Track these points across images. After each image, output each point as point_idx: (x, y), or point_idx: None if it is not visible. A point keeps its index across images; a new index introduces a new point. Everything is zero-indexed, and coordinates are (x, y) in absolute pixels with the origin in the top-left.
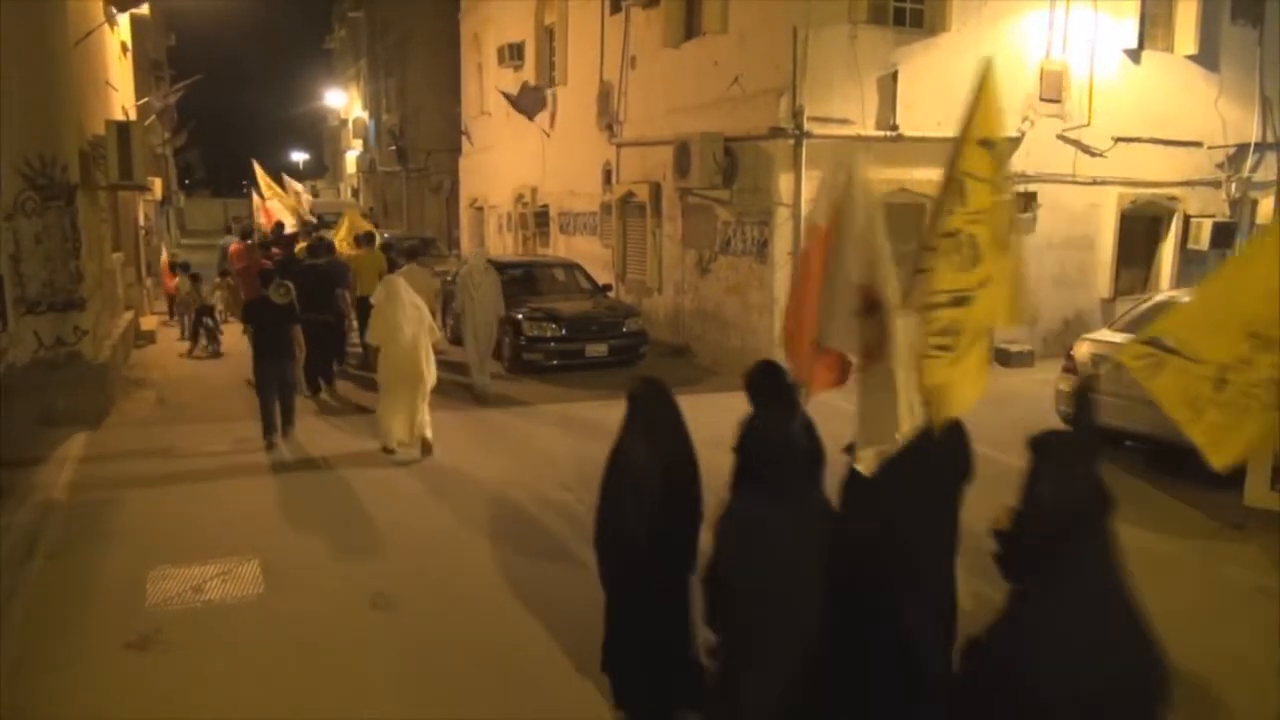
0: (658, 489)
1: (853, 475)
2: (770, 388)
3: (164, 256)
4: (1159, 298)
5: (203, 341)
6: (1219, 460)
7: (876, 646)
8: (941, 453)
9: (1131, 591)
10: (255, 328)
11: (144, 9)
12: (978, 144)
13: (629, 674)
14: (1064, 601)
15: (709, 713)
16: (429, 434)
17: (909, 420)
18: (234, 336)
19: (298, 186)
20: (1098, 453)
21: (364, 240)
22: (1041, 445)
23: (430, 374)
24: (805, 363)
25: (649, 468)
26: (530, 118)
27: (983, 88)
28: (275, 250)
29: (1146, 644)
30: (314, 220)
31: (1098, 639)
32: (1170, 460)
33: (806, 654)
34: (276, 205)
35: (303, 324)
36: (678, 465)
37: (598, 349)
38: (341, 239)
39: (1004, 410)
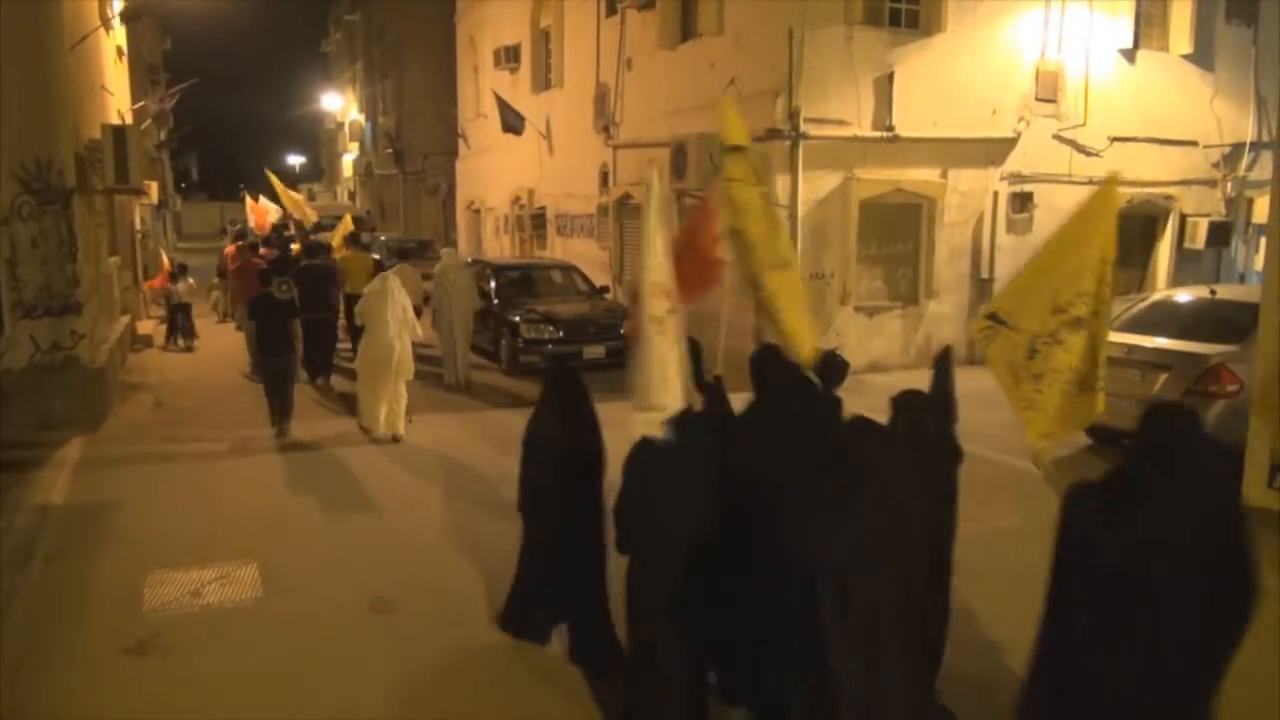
0: (564, 452)
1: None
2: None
3: (164, 261)
4: (1156, 296)
5: (176, 336)
6: (1031, 433)
7: (752, 559)
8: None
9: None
10: (259, 323)
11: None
12: (730, 151)
13: (528, 624)
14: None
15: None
16: (401, 427)
17: (664, 389)
18: (211, 336)
19: (297, 196)
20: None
21: (352, 241)
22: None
23: (407, 367)
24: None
25: (557, 435)
26: (517, 133)
27: (724, 108)
28: (264, 251)
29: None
30: (316, 221)
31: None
32: None
33: (686, 560)
34: (283, 206)
35: (301, 320)
36: (583, 433)
37: (595, 351)
38: (339, 239)
39: (999, 411)
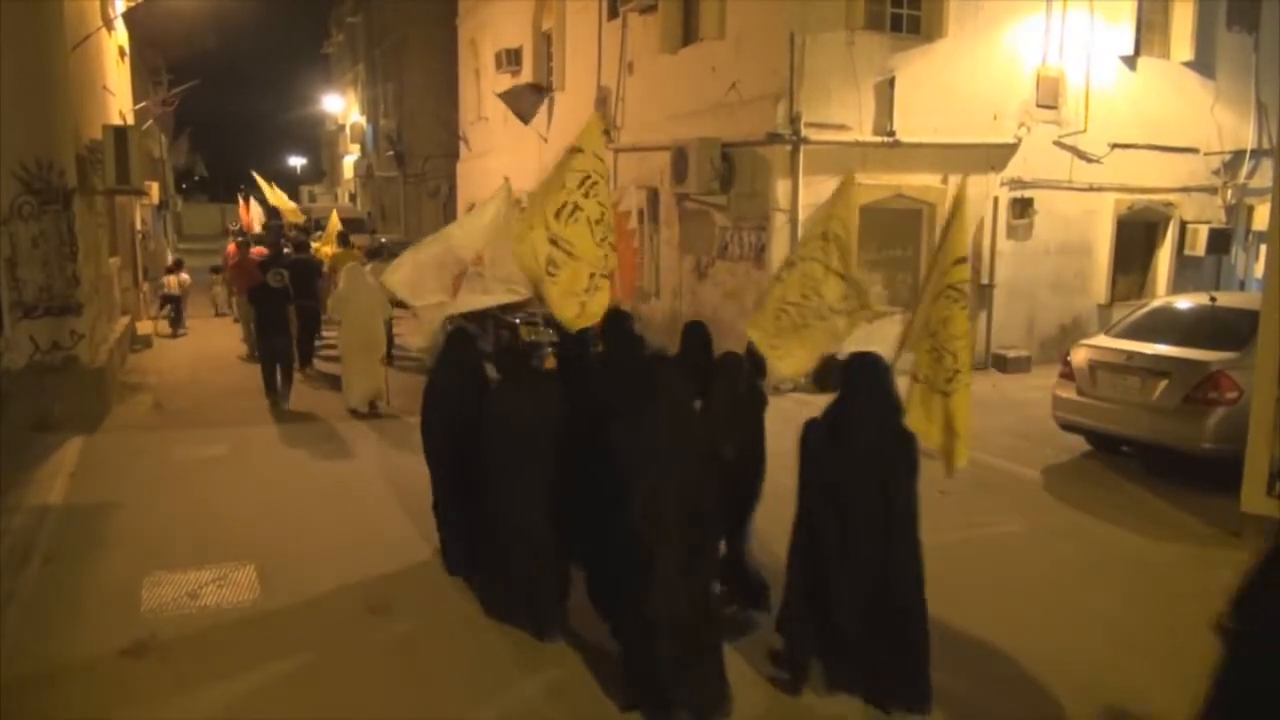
0: (456, 404)
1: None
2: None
3: (169, 260)
4: (1155, 303)
5: (165, 324)
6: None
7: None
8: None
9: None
10: (258, 308)
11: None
12: (577, 152)
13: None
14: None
15: None
16: (381, 403)
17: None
18: (209, 334)
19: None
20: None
21: (342, 240)
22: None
23: (378, 344)
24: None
25: (451, 389)
26: (526, 120)
27: (587, 131)
28: (256, 250)
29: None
30: (303, 221)
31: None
32: (1167, 466)
33: (539, 478)
34: (267, 207)
35: (296, 309)
36: (472, 388)
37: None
38: (327, 237)
39: (1000, 417)
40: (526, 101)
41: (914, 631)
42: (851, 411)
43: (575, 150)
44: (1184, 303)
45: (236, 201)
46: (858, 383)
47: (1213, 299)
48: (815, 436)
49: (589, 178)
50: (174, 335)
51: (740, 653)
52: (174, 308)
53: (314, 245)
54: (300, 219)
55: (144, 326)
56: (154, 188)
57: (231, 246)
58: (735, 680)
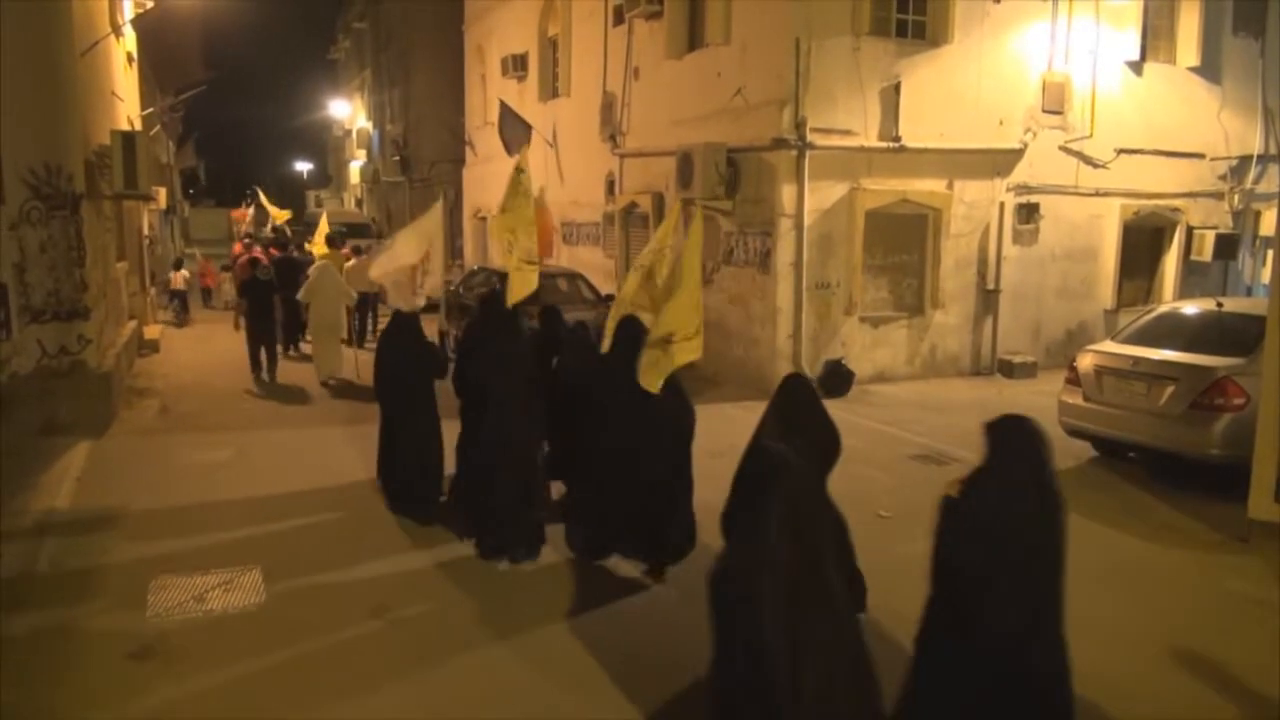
0: (406, 363)
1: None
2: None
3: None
4: (1162, 309)
5: (170, 315)
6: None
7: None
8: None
9: None
10: (248, 298)
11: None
12: (520, 172)
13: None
14: None
15: None
16: (340, 372)
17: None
18: (215, 340)
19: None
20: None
21: (329, 242)
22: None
23: (342, 325)
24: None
25: (402, 349)
26: (510, 151)
27: (524, 159)
28: (273, 250)
29: None
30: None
31: None
32: (1173, 472)
33: (518, 423)
34: (261, 215)
35: (281, 298)
36: (416, 348)
37: None
38: (317, 239)
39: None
40: (517, 131)
41: None
42: (792, 426)
43: (519, 170)
44: (1190, 308)
45: (243, 207)
46: (795, 400)
47: (1219, 304)
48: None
49: (525, 188)
50: (179, 325)
51: None
52: (180, 302)
53: (306, 246)
54: (283, 220)
55: (151, 331)
56: (161, 193)
57: (238, 246)
58: None
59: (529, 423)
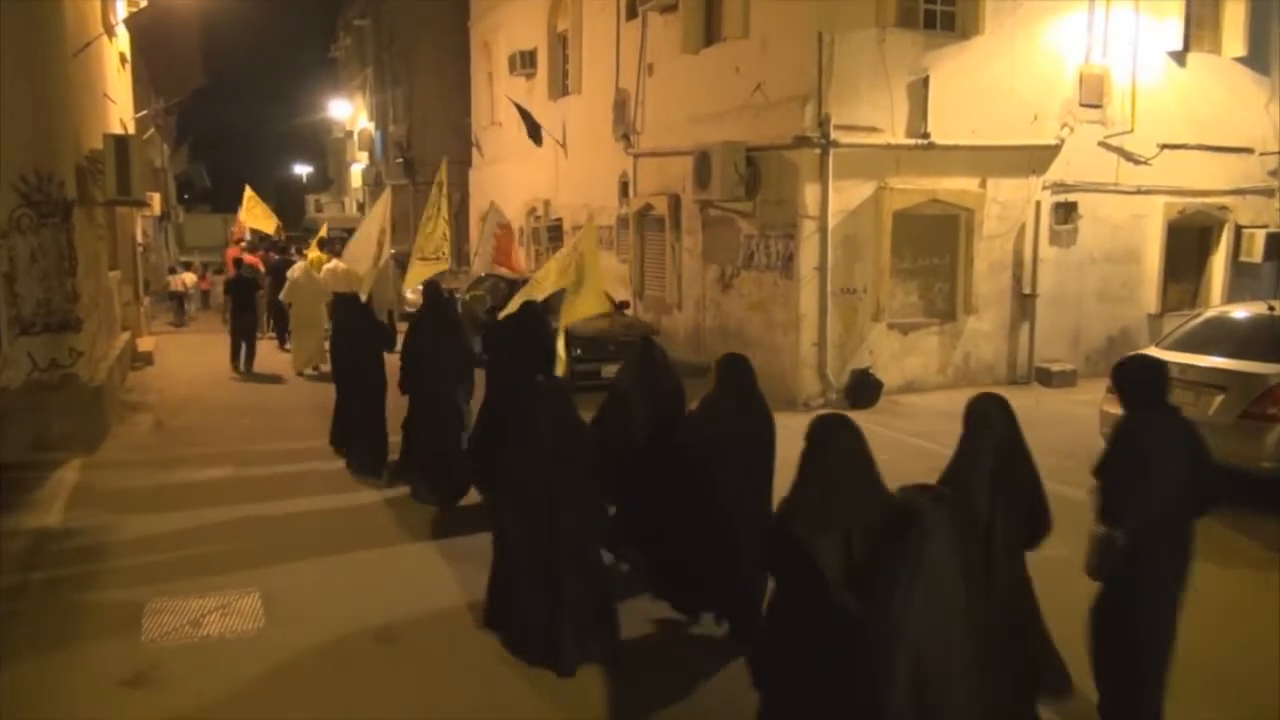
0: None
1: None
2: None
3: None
4: (1210, 313)
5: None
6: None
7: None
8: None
9: None
10: (233, 296)
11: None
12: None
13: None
14: None
15: None
16: (316, 365)
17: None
18: (212, 348)
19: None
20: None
21: (321, 246)
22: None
23: (321, 321)
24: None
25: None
26: (536, 140)
27: (441, 176)
28: (271, 254)
29: None
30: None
31: None
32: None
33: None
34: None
35: (271, 299)
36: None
37: (613, 370)
38: (313, 244)
39: (1046, 435)
40: (532, 126)
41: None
42: (734, 402)
43: (439, 183)
44: (1241, 312)
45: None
46: (737, 381)
47: (1271, 308)
48: (701, 421)
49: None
50: (177, 328)
51: None
52: (178, 304)
53: (304, 251)
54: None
55: (145, 343)
56: (155, 199)
57: (232, 249)
58: None
59: (456, 383)
